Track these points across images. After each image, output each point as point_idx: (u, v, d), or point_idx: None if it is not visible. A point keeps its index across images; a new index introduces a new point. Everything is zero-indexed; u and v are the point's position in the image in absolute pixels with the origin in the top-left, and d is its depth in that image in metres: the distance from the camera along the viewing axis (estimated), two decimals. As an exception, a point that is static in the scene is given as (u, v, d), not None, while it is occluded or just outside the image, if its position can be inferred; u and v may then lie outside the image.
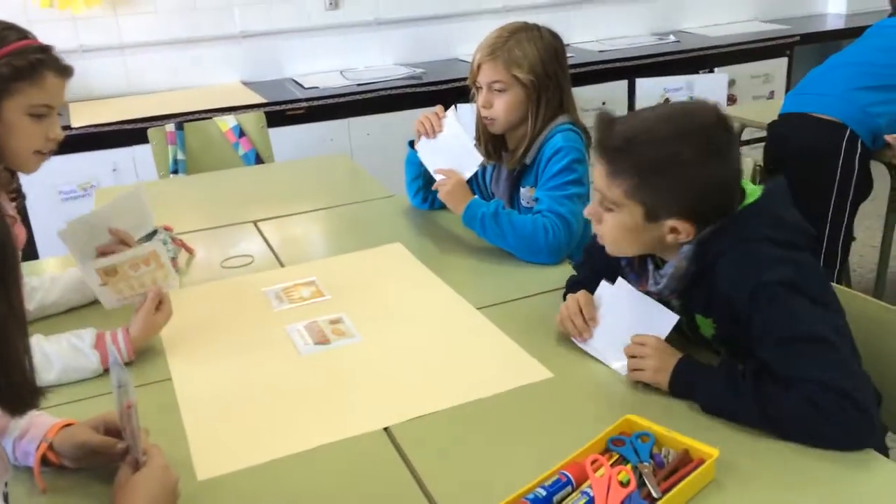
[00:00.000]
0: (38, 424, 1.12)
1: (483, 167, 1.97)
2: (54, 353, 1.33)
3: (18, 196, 1.48)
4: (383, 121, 3.41)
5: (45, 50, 1.40)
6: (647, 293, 1.30)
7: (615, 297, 1.35)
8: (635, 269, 1.33)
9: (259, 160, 2.89)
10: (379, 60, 3.80)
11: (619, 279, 1.34)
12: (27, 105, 1.37)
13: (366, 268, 1.78)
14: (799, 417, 1.07)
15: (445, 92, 3.49)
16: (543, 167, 1.78)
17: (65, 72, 1.42)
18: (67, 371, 1.33)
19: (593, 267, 1.44)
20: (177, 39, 3.47)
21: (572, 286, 1.46)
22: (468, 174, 1.82)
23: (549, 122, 1.81)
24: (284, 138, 3.13)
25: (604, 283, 1.37)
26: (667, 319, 1.26)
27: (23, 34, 1.39)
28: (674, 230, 1.19)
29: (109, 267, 1.43)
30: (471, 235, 1.82)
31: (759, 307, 1.13)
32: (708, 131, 1.16)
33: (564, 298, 1.42)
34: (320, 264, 1.81)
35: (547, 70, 1.77)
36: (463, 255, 1.80)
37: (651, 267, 1.30)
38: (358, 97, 3.36)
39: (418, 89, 3.47)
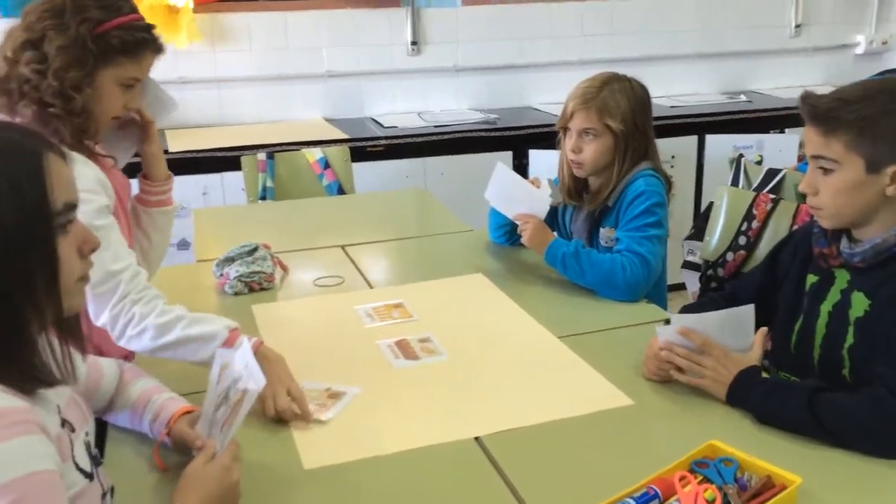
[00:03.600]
0: (168, 408, 1.23)
1: (563, 206, 2.07)
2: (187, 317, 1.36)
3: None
4: (457, 161, 3.54)
5: (150, 29, 1.45)
6: (829, 258, 1.38)
7: (691, 325, 1.39)
8: (828, 237, 1.39)
9: (341, 191, 3.04)
10: (455, 105, 3.96)
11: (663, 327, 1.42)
12: (122, 76, 1.41)
13: (450, 294, 1.87)
14: (857, 417, 1.18)
15: (518, 137, 3.62)
16: (625, 209, 1.87)
17: (160, 51, 1.47)
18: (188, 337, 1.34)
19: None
20: (268, 76, 3.69)
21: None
22: (543, 214, 1.91)
23: (633, 168, 1.90)
24: (364, 172, 3.28)
25: (666, 327, 1.41)
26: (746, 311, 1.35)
27: (133, 7, 1.44)
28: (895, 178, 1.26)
29: None
30: (549, 270, 1.90)
31: None
32: None
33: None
34: (407, 289, 1.91)
35: (636, 120, 1.87)
36: (542, 288, 1.89)
37: (845, 238, 1.37)
38: (434, 138, 3.51)
39: (492, 133, 3.60)
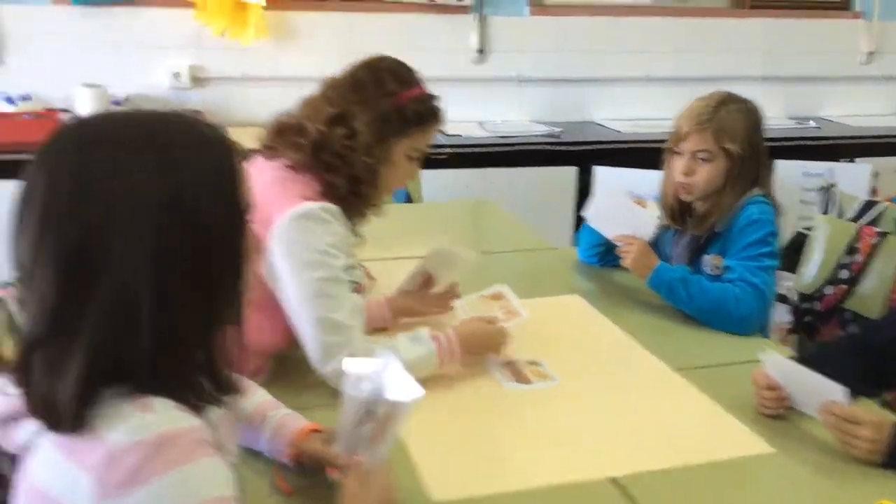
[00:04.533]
0: (289, 426, 1.15)
1: (664, 229, 1.98)
2: (393, 346, 1.38)
3: None
4: (519, 174, 3.47)
5: (436, 99, 1.47)
6: None
7: (781, 370, 1.34)
8: None
9: (409, 199, 2.96)
10: (516, 116, 3.88)
11: (775, 355, 1.36)
12: (411, 148, 1.45)
13: (548, 316, 1.78)
14: None
15: (581, 153, 3.54)
16: (736, 237, 1.78)
17: (443, 121, 1.49)
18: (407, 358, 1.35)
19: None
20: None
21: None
22: (649, 237, 1.83)
23: (744, 193, 1.81)
24: (425, 181, 3.21)
25: (767, 359, 1.36)
26: (837, 392, 1.24)
27: (421, 77, 1.47)
28: None
29: None
30: (649, 295, 1.82)
31: None
32: None
33: None
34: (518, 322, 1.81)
35: (752, 142, 1.79)
36: (645, 314, 1.80)
37: None
38: (497, 149, 3.44)
39: (555, 147, 3.53)
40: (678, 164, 1.83)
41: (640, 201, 1.90)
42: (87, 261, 0.74)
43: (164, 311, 0.75)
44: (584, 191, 3.62)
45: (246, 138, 3.36)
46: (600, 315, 1.78)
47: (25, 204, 0.77)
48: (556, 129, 3.65)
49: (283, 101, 3.72)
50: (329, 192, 1.41)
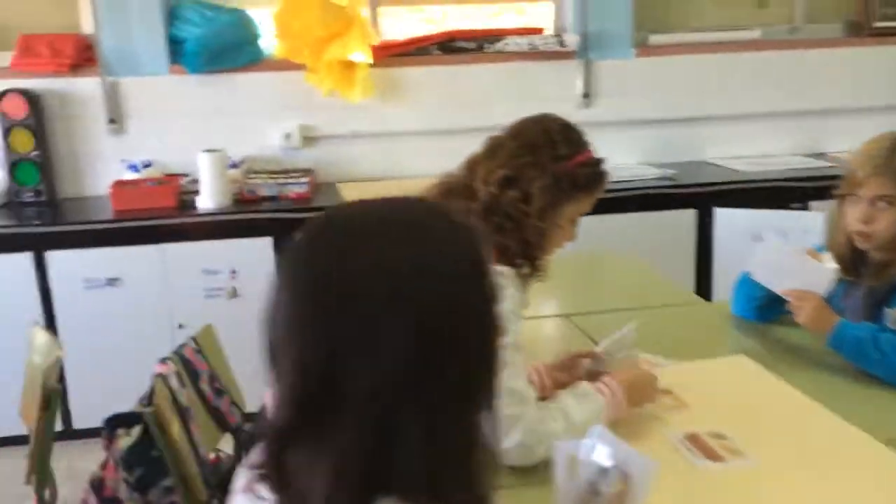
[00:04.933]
0: None
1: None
2: (563, 408, 1.34)
3: None
4: (634, 219, 3.36)
5: (603, 162, 1.45)
6: None
7: None
8: None
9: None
10: (626, 159, 3.77)
11: None
12: (576, 212, 1.43)
13: (717, 380, 1.66)
14: None
15: (698, 195, 3.41)
16: (927, 289, 1.63)
17: (607, 184, 1.46)
18: (581, 419, 1.32)
19: None
20: (438, 130, 3.62)
21: None
22: (824, 291, 1.69)
23: (930, 240, 1.66)
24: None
25: None
26: None
27: (587, 140, 1.44)
28: None
29: None
30: (824, 353, 1.68)
31: None
32: None
33: None
34: (664, 370, 1.71)
35: (936, 184, 1.64)
36: (825, 376, 1.65)
37: None
38: (611, 194, 3.31)
39: (670, 190, 3.41)
40: (854, 211, 1.69)
41: (811, 252, 1.77)
42: (332, 374, 0.70)
43: (423, 418, 0.69)
44: (703, 234, 3.48)
45: (356, 194, 3.41)
46: (775, 378, 1.64)
47: (272, 300, 0.74)
48: (670, 171, 3.53)
49: (390, 155, 3.78)
50: (500, 256, 1.36)
